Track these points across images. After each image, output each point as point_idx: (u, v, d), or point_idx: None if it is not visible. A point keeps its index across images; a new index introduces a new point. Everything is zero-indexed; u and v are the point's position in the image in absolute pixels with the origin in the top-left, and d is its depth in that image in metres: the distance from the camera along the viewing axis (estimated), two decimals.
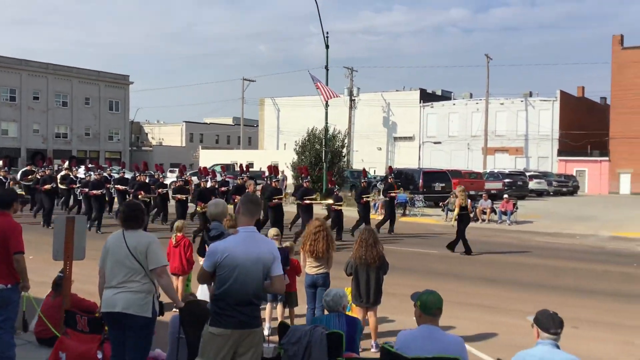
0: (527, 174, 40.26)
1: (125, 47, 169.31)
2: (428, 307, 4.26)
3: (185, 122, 77.23)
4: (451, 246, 15.01)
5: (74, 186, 20.31)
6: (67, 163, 23.02)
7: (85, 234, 6.09)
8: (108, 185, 19.71)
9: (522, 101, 55.30)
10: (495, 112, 55.59)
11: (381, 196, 19.93)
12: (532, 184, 39.04)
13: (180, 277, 8.87)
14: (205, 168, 18.88)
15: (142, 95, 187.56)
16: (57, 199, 19.91)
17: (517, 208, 23.16)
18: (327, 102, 25.63)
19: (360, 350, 6.90)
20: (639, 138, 49.41)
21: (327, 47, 25.89)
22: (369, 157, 58.91)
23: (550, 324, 4.09)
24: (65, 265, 5.90)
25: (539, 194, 39.72)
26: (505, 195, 23.97)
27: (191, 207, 17.84)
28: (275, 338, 5.57)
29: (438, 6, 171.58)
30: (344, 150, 31.67)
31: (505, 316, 9.19)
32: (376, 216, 21.53)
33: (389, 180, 19.31)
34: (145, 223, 17.12)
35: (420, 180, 27.93)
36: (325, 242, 7.57)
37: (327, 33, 25.75)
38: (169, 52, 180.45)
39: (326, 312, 5.70)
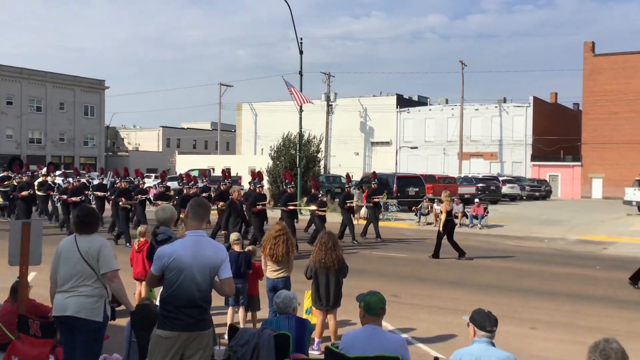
0: (501, 178, 40.82)
1: (103, 52, 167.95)
2: (371, 308, 4.38)
3: (162, 127, 76.79)
4: (436, 254, 14.98)
5: (52, 193, 20.07)
6: (44, 169, 22.57)
7: (41, 240, 6.09)
8: (87, 192, 19.52)
9: (496, 107, 56.05)
10: (470, 117, 56.24)
11: (354, 202, 19.57)
12: (505, 189, 39.59)
13: (144, 282, 8.88)
14: (187, 174, 18.51)
15: (119, 100, 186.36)
16: (34, 205, 19.60)
17: (487, 212, 23.48)
18: (300, 107, 25.69)
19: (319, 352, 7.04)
20: (610, 143, 50.39)
21: (301, 52, 26.03)
22: (346, 162, 59.09)
23: (485, 322, 4.23)
24: (20, 271, 5.91)
25: (512, 198, 40.26)
26: (477, 200, 24.27)
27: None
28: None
29: (416, 12, 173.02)
30: (319, 155, 31.73)
31: (458, 316, 9.35)
32: (361, 221, 21.29)
33: (373, 186, 19.39)
34: (98, 228, 16.94)
35: (394, 185, 28.16)
36: (285, 246, 7.67)
37: (301, 39, 25.92)
38: (147, 57, 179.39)
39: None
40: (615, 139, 50.40)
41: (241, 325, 7.54)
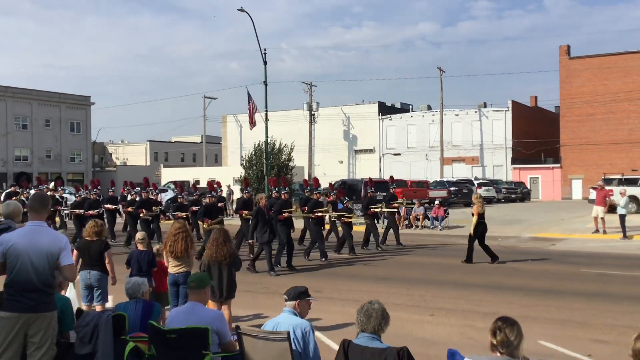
0: (476, 182, 41.36)
1: (94, 70, 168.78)
2: (188, 284, 4.91)
3: (149, 141, 77.36)
4: (492, 257, 14.53)
5: (59, 207, 20.00)
6: (51, 184, 22.35)
7: None
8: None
9: (476, 112, 56.70)
10: (451, 123, 56.88)
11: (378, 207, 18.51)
12: (481, 192, 40.06)
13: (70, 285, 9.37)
14: (210, 183, 18.09)
15: (108, 116, 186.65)
16: (47, 220, 19.91)
17: (447, 214, 23.99)
18: (251, 121, 26.35)
19: None
20: (588, 145, 51.03)
21: (265, 63, 26.63)
22: (330, 170, 59.70)
23: (292, 295, 4.79)
24: None
25: (488, 200, 40.71)
26: (437, 202, 24.78)
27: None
28: None
29: (407, 21, 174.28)
30: (291, 163, 32.28)
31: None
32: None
33: (391, 191, 19.33)
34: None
35: (362, 190, 28.67)
36: (184, 242, 8.17)
37: (265, 50, 26.48)
38: (139, 73, 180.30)
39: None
40: (593, 140, 51.03)
41: None
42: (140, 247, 8.50)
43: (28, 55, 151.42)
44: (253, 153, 31.82)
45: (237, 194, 31.58)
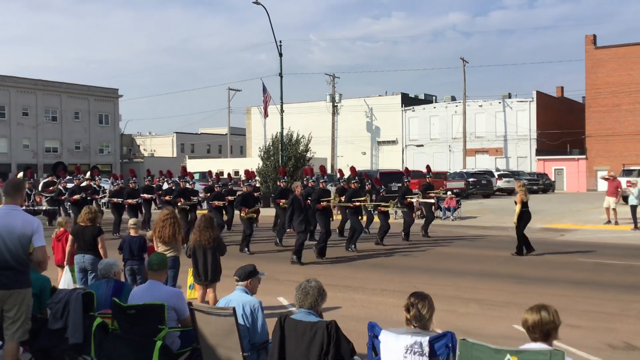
0: (497, 173, 41.12)
1: (123, 62, 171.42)
2: (149, 265, 5.25)
3: (176, 132, 78.51)
4: (520, 250, 14.08)
5: (97, 196, 20.17)
6: (88, 173, 22.41)
7: None
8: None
9: (500, 103, 56.18)
10: (475, 114, 56.49)
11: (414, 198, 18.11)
12: (501, 183, 39.92)
13: (65, 268, 9.84)
14: (247, 171, 17.97)
15: (136, 108, 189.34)
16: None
17: (460, 205, 24.05)
18: (265, 113, 26.67)
19: None
20: (614, 135, 50.19)
21: (280, 55, 26.96)
22: (353, 161, 59.74)
23: (243, 275, 5.10)
24: None
25: (509, 192, 40.49)
26: (449, 193, 24.84)
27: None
28: None
29: (436, 11, 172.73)
30: (308, 154, 32.58)
31: (364, 294, 10.14)
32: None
33: (427, 180, 19.23)
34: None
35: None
36: (172, 228, 8.52)
37: (281, 42, 26.79)
38: (167, 66, 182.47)
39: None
40: (618, 131, 50.19)
41: None
42: (132, 232, 8.91)
43: (61, 49, 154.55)
44: (270, 144, 32.19)
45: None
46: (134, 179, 18.97)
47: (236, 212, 16.47)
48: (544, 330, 3.67)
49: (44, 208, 20.51)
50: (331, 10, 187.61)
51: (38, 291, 5.83)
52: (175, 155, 75.71)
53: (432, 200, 18.39)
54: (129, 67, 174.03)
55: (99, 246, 8.63)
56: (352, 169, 18.33)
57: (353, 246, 15.11)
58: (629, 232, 19.05)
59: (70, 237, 8.87)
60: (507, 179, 40.63)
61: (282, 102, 27.40)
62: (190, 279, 8.70)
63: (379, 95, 63.42)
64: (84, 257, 8.60)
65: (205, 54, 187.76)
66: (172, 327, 5.10)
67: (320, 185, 14.78)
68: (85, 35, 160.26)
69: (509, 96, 57.87)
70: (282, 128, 28.69)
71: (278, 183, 17.15)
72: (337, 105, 59.84)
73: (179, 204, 16.18)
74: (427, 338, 3.82)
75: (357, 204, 14.77)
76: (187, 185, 17.15)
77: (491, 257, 14.30)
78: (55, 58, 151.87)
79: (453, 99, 62.55)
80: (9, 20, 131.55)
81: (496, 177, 39.78)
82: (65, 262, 9.30)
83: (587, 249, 15.42)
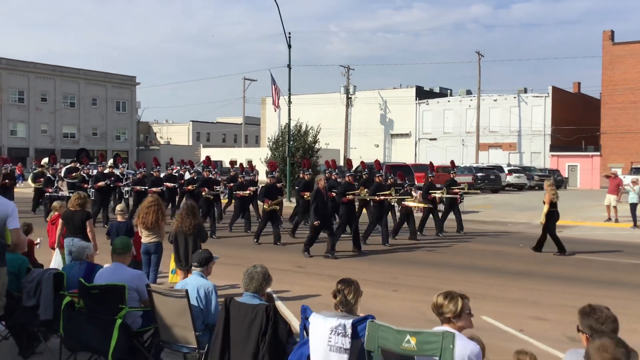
0: (507, 168, 41.06)
1: (146, 50, 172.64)
2: (114, 248, 5.59)
3: (192, 121, 79.24)
4: (538, 246, 13.99)
5: (120, 184, 20.05)
6: (111, 160, 22.05)
7: None
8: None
9: (515, 97, 55.89)
10: (489, 108, 56.29)
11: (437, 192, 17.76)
12: (511, 178, 39.88)
13: (57, 250, 10.27)
14: (272, 163, 17.82)
15: (156, 95, 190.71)
16: (110, 197, 19.25)
17: (462, 199, 24.13)
18: (276, 105, 26.91)
19: None
20: (629, 133, 49.76)
21: (289, 46, 27.21)
22: (366, 153, 59.95)
23: (202, 261, 5.45)
24: None
25: (520, 187, 40.46)
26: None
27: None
28: None
29: (458, 3, 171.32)
30: (317, 145, 32.81)
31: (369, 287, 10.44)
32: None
33: (452, 176, 18.74)
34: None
35: (383, 174, 28.95)
36: (155, 215, 8.89)
37: (290, 33, 27.02)
38: (188, 54, 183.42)
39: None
40: (634, 128, 49.75)
41: None
42: (119, 218, 9.29)
43: (83, 33, 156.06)
44: (279, 134, 32.49)
45: (261, 175, 32.41)
46: (157, 167, 18.86)
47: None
48: (446, 313, 3.91)
49: (67, 194, 19.92)
50: (353, 0, 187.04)
51: (17, 270, 6.21)
52: (191, 143, 76.44)
53: (457, 196, 17.75)
54: (151, 54, 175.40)
55: (88, 230, 9.01)
56: (377, 162, 18.30)
57: (386, 242, 14.70)
58: (628, 230, 19.12)
59: (60, 221, 9.26)
60: (517, 174, 40.59)
61: (289, 94, 27.68)
62: (172, 264, 9.05)
63: (394, 88, 63.38)
64: (72, 240, 8.97)
65: (227, 43, 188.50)
66: (133, 307, 5.44)
67: (347, 179, 14.61)
68: (107, 21, 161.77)
69: (525, 91, 57.54)
70: (290, 119, 28.96)
71: (302, 175, 16.99)
72: (351, 97, 59.96)
73: (202, 193, 16.02)
74: (351, 321, 4.10)
75: (382, 197, 14.54)
76: (210, 175, 17.03)
77: (479, 251, 14.51)
78: (77, 43, 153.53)
79: (469, 92, 62.30)
80: (34, 5, 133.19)
81: (506, 172, 39.70)
82: (55, 245, 9.71)
83: (578, 245, 15.54)
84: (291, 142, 31.59)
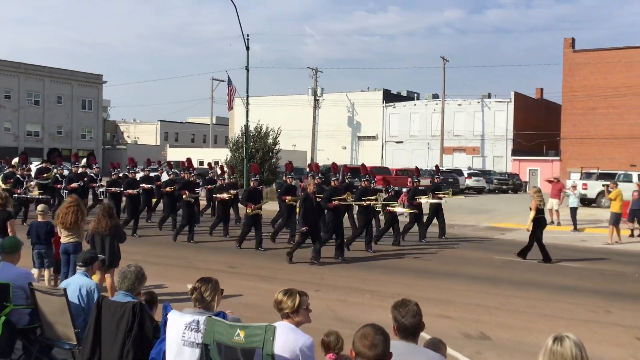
0: (467, 172, 41.74)
1: (118, 48, 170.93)
2: (2, 248, 5.76)
3: (160, 121, 78.77)
4: (523, 253, 13.74)
5: (94, 185, 19.61)
6: (84, 161, 21.40)
7: None
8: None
9: (478, 102, 56.83)
10: (454, 112, 57.09)
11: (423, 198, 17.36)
12: (470, 182, 40.56)
13: None
14: (254, 166, 17.39)
15: (126, 94, 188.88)
16: (84, 198, 18.33)
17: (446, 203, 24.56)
18: (230, 106, 27.09)
19: None
20: (587, 138, 50.90)
21: (247, 48, 27.38)
22: (334, 155, 60.38)
23: (87, 261, 5.63)
24: None
25: (479, 191, 41.16)
26: (404, 190, 25.33)
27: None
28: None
29: (432, 7, 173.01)
30: (277, 147, 33.03)
31: (272, 284, 10.67)
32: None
33: (435, 180, 18.84)
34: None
35: (340, 177, 29.30)
36: (75, 215, 8.99)
37: (248, 35, 27.21)
38: (164, 53, 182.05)
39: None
40: (593, 134, 50.88)
41: (46, 284, 8.93)
42: (40, 218, 9.38)
43: (53, 30, 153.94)
44: (240, 136, 32.64)
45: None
46: (134, 168, 18.28)
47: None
48: (285, 309, 4.15)
49: (37, 196, 19.35)
50: (327, 1, 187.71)
51: None
52: (158, 143, 76.00)
53: (442, 201, 17.65)
54: (124, 53, 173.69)
55: (9, 230, 9.09)
56: (363, 166, 17.91)
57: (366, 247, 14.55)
58: (568, 233, 19.68)
59: None
60: (476, 178, 41.27)
61: (247, 96, 27.89)
62: None
63: (361, 91, 63.91)
64: None
65: (201, 42, 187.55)
66: (18, 305, 5.60)
67: (332, 184, 14.26)
68: (79, 18, 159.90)
69: (489, 96, 58.50)
70: (247, 121, 29.19)
71: (284, 179, 16.70)
72: (318, 99, 60.30)
73: (183, 196, 15.45)
74: (204, 317, 4.32)
75: (367, 202, 14.26)
76: (190, 178, 16.55)
77: (407, 252, 14.81)
78: (46, 41, 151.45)
79: (435, 96, 63.04)
80: (4, 1, 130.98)
81: (465, 175, 40.38)
82: None
83: (513, 247, 15.96)
84: (251, 144, 31.81)
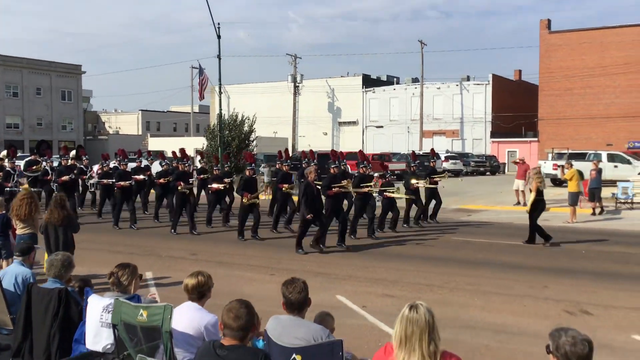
0: (444, 155, 42.18)
1: (99, 37, 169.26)
2: None
3: (141, 110, 78.48)
4: (531, 239, 13.54)
5: (84, 177, 19.50)
6: (73, 152, 21.21)
7: None
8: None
9: (457, 85, 57.19)
10: (433, 96, 57.47)
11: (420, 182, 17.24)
12: (448, 165, 40.99)
13: None
14: (248, 154, 17.19)
15: (109, 84, 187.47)
16: (75, 192, 18.35)
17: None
18: (200, 95, 27.28)
19: None
20: (565, 119, 51.51)
21: (218, 37, 27.42)
22: (315, 141, 60.70)
23: (24, 251, 5.91)
24: None
25: (456, 174, 41.59)
26: (376, 174, 25.67)
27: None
28: None
29: None
30: (253, 135, 33.21)
31: (229, 269, 10.99)
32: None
33: (431, 164, 18.84)
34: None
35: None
36: (29, 207, 9.23)
37: (219, 24, 27.28)
38: (146, 41, 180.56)
39: None
40: (570, 115, 51.50)
41: None
42: None
43: (31, 21, 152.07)
44: (215, 124, 32.78)
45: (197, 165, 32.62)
46: (125, 160, 17.98)
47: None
48: (200, 291, 4.47)
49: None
50: None
51: None
52: (140, 133, 75.81)
53: (440, 185, 17.68)
54: (106, 42, 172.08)
55: None
56: (361, 152, 17.70)
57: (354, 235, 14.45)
58: None
59: None
60: (453, 161, 41.71)
61: (220, 84, 27.96)
62: (46, 255, 9.43)
63: (341, 76, 64.05)
64: None
65: (183, 29, 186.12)
66: None
67: (331, 171, 13.97)
68: (59, 6, 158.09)
69: (467, 79, 58.89)
70: (221, 110, 29.41)
71: (279, 166, 16.58)
72: (298, 86, 60.41)
73: (179, 187, 15.17)
74: (122, 299, 4.63)
75: (366, 189, 14.20)
76: (185, 168, 16.27)
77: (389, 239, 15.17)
78: (25, 31, 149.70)
79: (415, 80, 63.36)
80: None
81: (442, 158, 40.81)
82: None
83: (474, 228, 16.44)
84: (227, 132, 31.99)
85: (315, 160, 19.05)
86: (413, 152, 20.27)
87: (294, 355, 3.72)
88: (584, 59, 50.78)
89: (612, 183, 23.97)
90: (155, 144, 59.08)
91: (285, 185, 15.41)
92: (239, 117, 33.04)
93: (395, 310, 8.25)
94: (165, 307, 3.99)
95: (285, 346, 3.77)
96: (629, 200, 20.26)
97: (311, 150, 23.22)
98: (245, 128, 32.83)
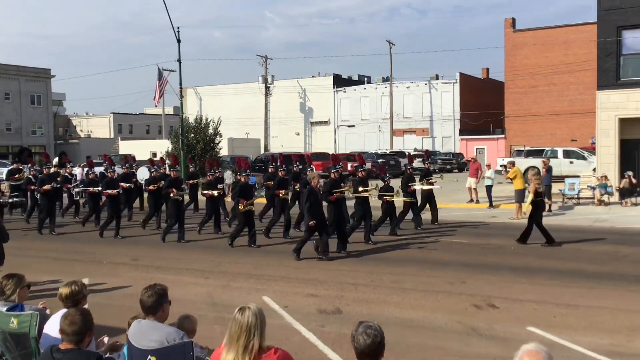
0: (412, 153, 42.69)
1: (76, 39, 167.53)
2: None
3: (113, 113, 78.03)
4: (523, 238, 13.39)
5: (69, 185, 19.14)
6: (56, 159, 20.94)
7: None
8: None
9: (426, 84, 57.85)
10: (403, 95, 58.05)
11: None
12: (416, 163, 41.44)
13: None
14: (243, 160, 17.12)
15: (80, 86, 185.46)
16: (57, 201, 18.22)
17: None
18: (157, 99, 27.40)
19: None
20: (530, 116, 52.42)
21: (178, 41, 27.57)
22: (288, 142, 61.04)
23: None
24: None
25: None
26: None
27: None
28: None
29: None
30: (218, 137, 33.37)
31: (167, 274, 11.25)
32: None
33: (426, 166, 18.72)
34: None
35: (278, 164, 29.86)
36: None
37: (179, 28, 27.45)
38: (121, 42, 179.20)
39: None
40: (535, 111, 52.41)
41: None
42: None
43: (7, 24, 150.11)
44: (178, 128, 32.89)
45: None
46: (112, 167, 17.67)
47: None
48: (75, 299, 4.73)
49: (10, 201, 18.87)
50: None
51: None
52: (112, 136, 75.34)
53: (435, 187, 17.67)
54: (79, 43, 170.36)
55: None
56: (360, 156, 17.56)
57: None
58: (484, 210, 20.67)
59: None
60: (420, 159, 42.19)
61: (180, 88, 28.14)
62: None
63: (312, 77, 64.38)
64: None
65: (156, 30, 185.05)
66: None
67: (332, 175, 13.82)
68: (31, 9, 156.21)
69: (436, 77, 59.59)
70: (182, 112, 29.54)
71: (271, 170, 16.52)
72: (269, 87, 60.60)
73: (171, 194, 14.85)
74: (5, 308, 4.89)
75: (365, 194, 14.19)
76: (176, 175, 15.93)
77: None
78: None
79: (386, 80, 63.88)
80: None
81: (407, 157, 41.29)
82: None
83: (426, 227, 16.72)
84: (191, 135, 32.15)
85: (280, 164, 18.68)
86: (409, 153, 19.89)
87: (149, 357, 4.02)
88: (548, 56, 51.68)
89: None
90: (126, 147, 58.91)
91: (282, 191, 15.30)
92: (204, 120, 33.19)
93: (314, 309, 8.68)
94: (32, 315, 4.27)
95: (141, 348, 4.07)
96: (575, 196, 20.85)
97: (280, 154, 23.36)
98: (210, 131, 32.98)
